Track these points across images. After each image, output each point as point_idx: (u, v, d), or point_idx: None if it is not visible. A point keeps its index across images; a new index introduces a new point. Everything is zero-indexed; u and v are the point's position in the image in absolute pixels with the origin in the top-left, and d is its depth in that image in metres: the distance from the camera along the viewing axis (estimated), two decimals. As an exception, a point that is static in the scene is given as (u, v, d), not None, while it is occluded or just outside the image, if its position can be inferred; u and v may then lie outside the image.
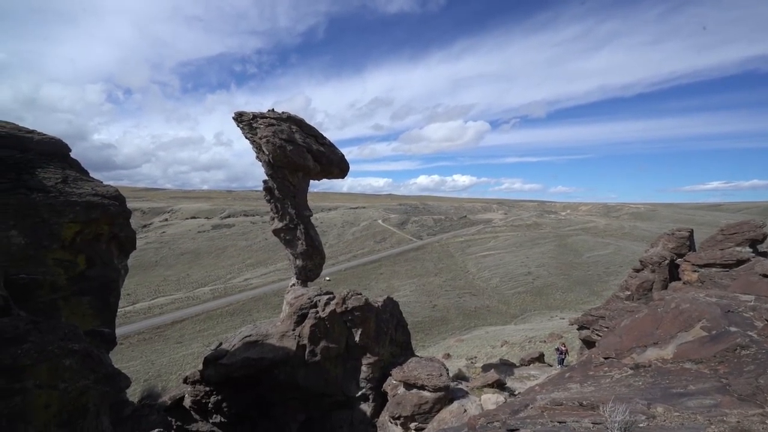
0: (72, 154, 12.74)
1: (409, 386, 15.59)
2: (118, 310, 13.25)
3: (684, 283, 21.75)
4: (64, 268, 10.59)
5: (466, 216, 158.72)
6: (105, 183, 12.82)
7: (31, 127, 12.16)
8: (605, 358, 7.46)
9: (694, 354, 6.10)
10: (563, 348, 22.94)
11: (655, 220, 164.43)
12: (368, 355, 17.61)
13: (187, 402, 17.59)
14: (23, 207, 9.87)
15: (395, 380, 16.17)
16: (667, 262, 24.37)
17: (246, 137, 18.23)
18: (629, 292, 24.59)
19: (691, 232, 26.43)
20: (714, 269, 20.67)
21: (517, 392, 16.62)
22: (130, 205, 13.29)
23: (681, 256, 24.42)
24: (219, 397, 17.14)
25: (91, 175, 13.08)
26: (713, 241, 22.77)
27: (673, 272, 24.24)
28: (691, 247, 25.51)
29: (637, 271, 25.63)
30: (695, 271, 21.35)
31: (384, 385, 16.77)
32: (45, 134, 12.13)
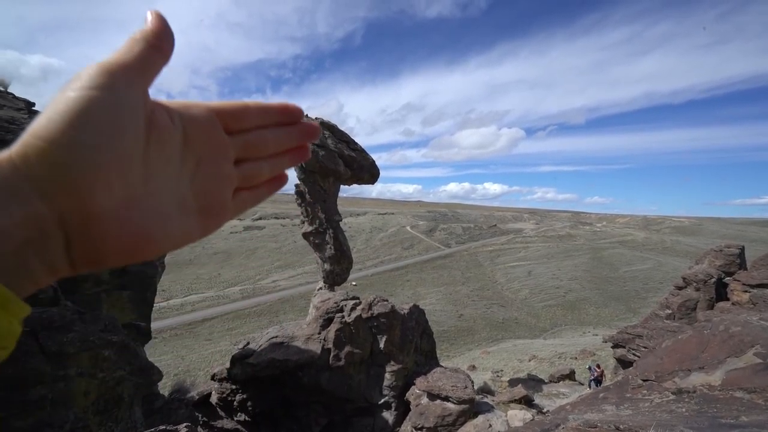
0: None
1: (432, 397, 15.31)
2: (153, 305, 13.84)
3: (733, 303, 20.27)
4: (107, 263, 11.21)
5: (496, 225, 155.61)
6: (147, 183, 13.52)
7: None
8: (644, 380, 7.01)
9: (746, 382, 5.62)
10: (599, 370, 21.07)
11: (700, 235, 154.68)
12: (392, 362, 17.46)
13: (214, 398, 18.03)
14: (73, 204, 10.54)
15: (419, 390, 15.93)
16: (713, 280, 22.81)
17: (279, 142, 18.68)
18: (670, 311, 23.18)
19: (742, 248, 24.65)
20: (768, 290, 19.19)
21: (545, 410, 15.97)
22: (169, 205, 13.90)
23: (730, 274, 22.81)
24: (244, 396, 17.47)
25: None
26: None
27: (720, 292, 22.65)
28: (742, 265, 23.77)
29: (680, 288, 24.13)
30: (746, 291, 19.87)
31: (407, 394, 16.55)
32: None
